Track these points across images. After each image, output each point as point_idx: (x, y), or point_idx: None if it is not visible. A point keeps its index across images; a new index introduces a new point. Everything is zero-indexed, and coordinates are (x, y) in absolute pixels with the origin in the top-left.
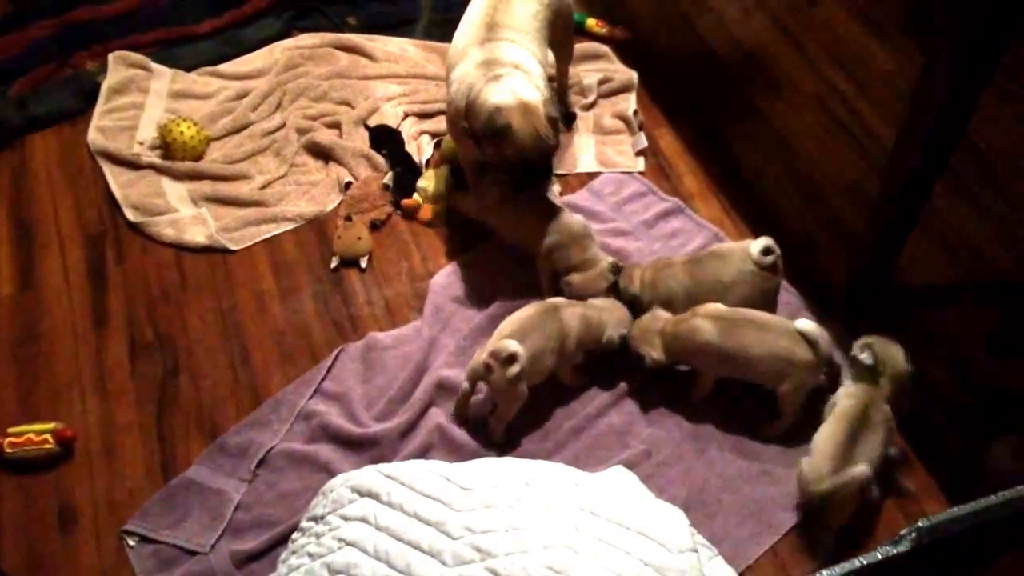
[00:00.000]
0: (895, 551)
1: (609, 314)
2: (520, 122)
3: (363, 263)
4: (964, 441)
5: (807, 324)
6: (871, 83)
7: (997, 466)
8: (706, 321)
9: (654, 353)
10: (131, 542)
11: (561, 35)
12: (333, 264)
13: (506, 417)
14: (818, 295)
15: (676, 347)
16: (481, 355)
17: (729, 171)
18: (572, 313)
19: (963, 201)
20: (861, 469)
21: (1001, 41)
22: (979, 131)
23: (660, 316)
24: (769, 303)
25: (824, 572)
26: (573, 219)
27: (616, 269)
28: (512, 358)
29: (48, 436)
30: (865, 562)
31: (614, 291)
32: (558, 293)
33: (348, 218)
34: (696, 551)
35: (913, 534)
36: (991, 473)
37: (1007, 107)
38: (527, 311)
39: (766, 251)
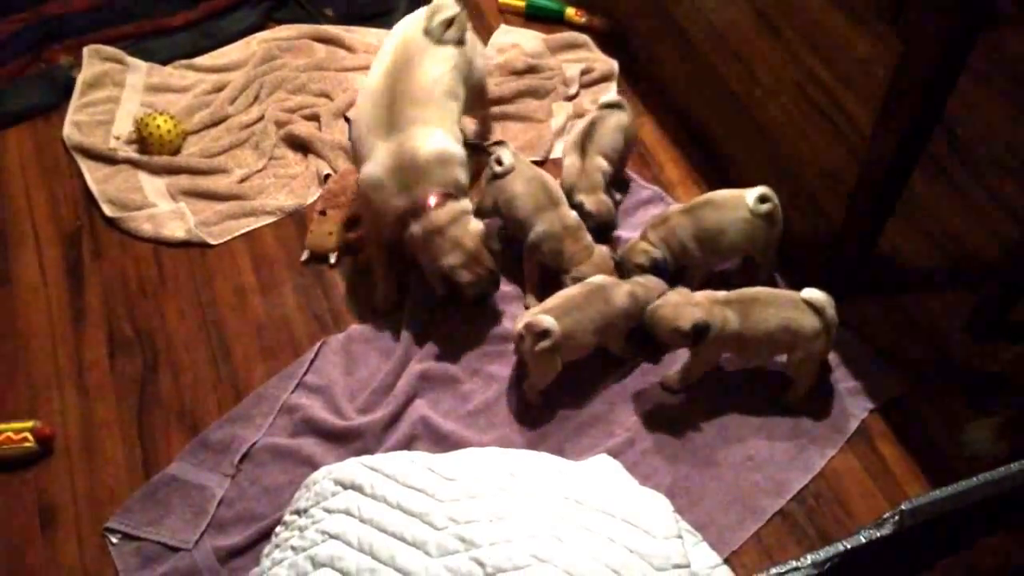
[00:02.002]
0: (878, 534)
1: (652, 291)
2: (472, 273)
3: (332, 259)
4: (944, 424)
5: (813, 292)
6: (849, 69)
7: (977, 449)
8: (726, 310)
9: (698, 312)
10: (113, 540)
11: (475, 101)
12: (303, 257)
13: (537, 385)
14: (798, 280)
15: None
16: (519, 323)
17: (709, 159)
18: (622, 292)
19: (941, 186)
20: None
21: (974, 28)
22: (957, 117)
23: (682, 291)
24: (766, 253)
25: (808, 556)
26: (569, 211)
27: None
28: (545, 334)
29: (27, 434)
30: (849, 545)
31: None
32: (546, 286)
33: (323, 212)
34: (681, 537)
35: (896, 517)
36: (971, 456)
37: (985, 93)
38: (573, 290)
39: (762, 199)
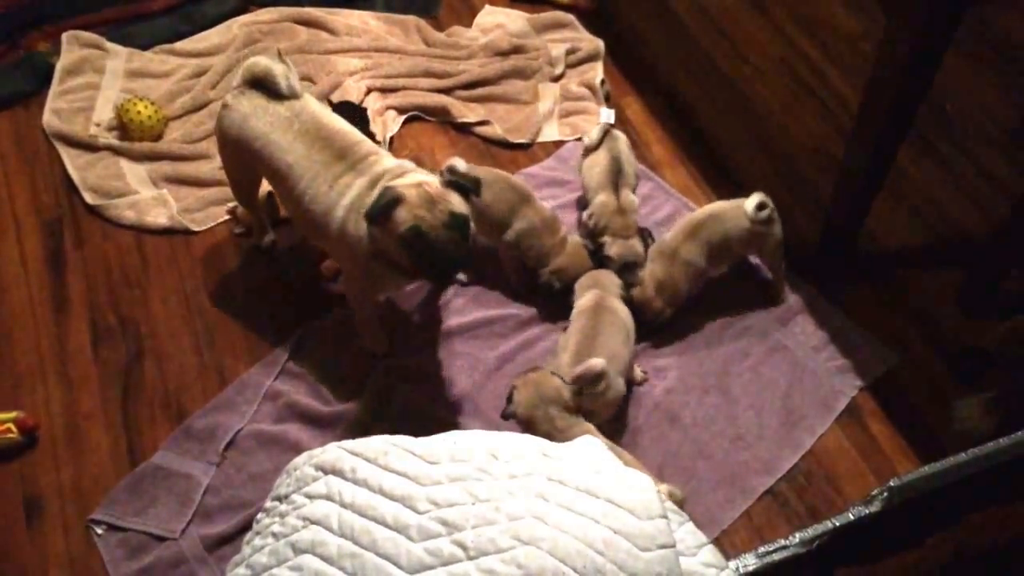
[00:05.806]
0: (867, 511)
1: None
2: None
3: (238, 229)
4: (934, 401)
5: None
6: (836, 46)
7: (966, 424)
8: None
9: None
10: (99, 531)
11: None
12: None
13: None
14: (789, 258)
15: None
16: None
17: (696, 138)
18: (618, 302)
19: (929, 163)
20: None
21: (961, 3)
22: (944, 94)
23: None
24: (774, 254)
25: (797, 535)
26: (542, 204)
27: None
28: (599, 377)
29: (10, 425)
30: (838, 523)
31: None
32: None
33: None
34: (665, 517)
35: (885, 494)
36: (961, 432)
37: (972, 68)
38: (580, 323)
39: (760, 206)
